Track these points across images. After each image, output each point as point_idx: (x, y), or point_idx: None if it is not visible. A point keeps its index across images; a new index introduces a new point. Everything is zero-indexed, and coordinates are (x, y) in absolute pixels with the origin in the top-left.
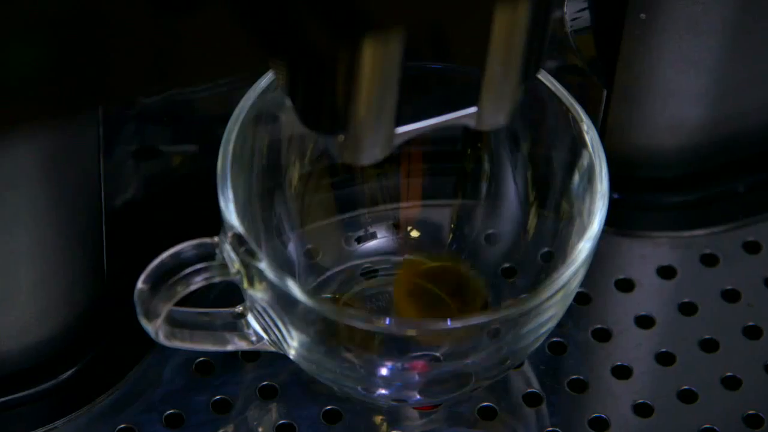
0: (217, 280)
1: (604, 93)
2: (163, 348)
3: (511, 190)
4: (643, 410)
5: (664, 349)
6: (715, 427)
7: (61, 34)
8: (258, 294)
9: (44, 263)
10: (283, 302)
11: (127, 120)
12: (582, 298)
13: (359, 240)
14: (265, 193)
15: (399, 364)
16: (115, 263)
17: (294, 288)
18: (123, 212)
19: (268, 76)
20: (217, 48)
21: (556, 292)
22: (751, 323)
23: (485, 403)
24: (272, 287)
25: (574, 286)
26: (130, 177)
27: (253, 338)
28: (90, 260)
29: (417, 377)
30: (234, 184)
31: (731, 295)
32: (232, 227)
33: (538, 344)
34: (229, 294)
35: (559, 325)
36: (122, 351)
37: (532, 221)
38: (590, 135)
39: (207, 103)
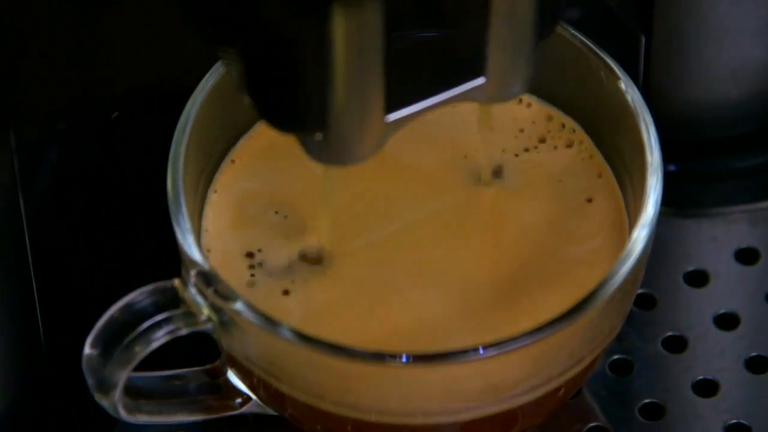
0: (183, 332)
1: (642, 40)
2: (128, 426)
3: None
4: None
5: (755, 353)
6: None
7: None
8: (237, 344)
9: None
10: (272, 350)
11: (49, 146)
12: (645, 301)
13: None
14: None
15: None
16: (54, 325)
17: (285, 331)
18: (56, 259)
19: (218, 70)
20: (150, 44)
21: (611, 295)
22: None
23: None
24: (255, 333)
25: (633, 286)
26: (61, 213)
27: (238, 400)
28: (20, 325)
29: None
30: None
31: None
32: (195, 264)
33: (596, 365)
34: (199, 347)
35: (620, 338)
36: None
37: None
38: (630, 94)
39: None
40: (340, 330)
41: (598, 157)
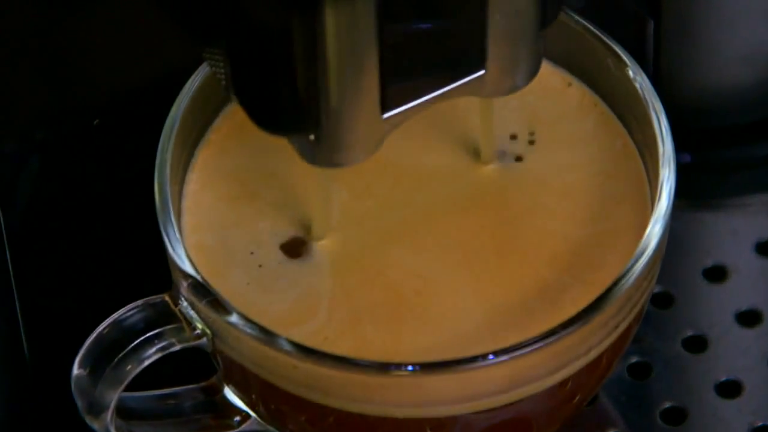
0: (176, 348)
1: (651, 24)
2: None
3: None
4: None
5: None
6: None
7: None
8: (234, 358)
9: None
10: (271, 365)
11: (29, 156)
12: (662, 299)
13: None
14: None
15: None
16: (39, 345)
17: (285, 343)
18: (39, 275)
19: (203, 72)
20: (133, 47)
21: (626, 294)
22: None
23: None
24: (253, 347)
25: (648, 284)
26: (43, 226)
27: (236, 418)
28: (3, 345)
29: None
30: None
31: None
32: (185, 275)
33: (612, 369)
34: (193, 363)
35: (637, 339)
36: None
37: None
38: (639, 81)
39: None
40: (343, 333)
41: (616, 125)
